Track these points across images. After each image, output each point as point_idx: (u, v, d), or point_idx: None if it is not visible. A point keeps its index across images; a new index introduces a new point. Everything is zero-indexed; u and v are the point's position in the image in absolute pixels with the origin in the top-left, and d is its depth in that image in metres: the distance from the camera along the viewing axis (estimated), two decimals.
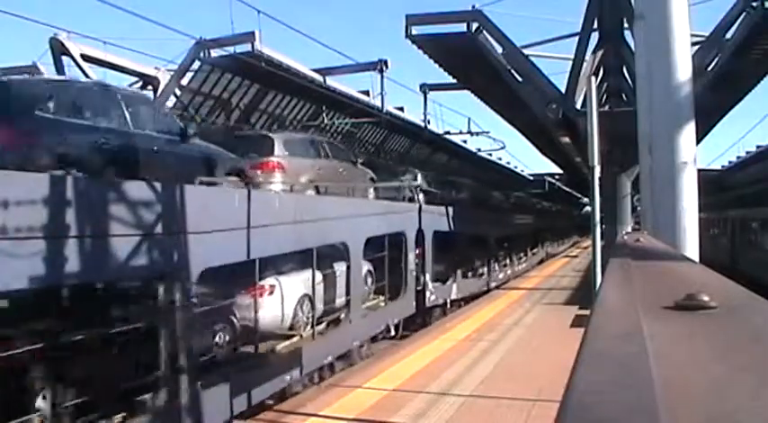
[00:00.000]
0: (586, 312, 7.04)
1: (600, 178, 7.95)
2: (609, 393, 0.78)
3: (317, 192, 11.60)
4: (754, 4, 13.31)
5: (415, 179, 17.38)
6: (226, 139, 10.92)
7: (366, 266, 13.02)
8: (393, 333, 13.88)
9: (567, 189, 40.74)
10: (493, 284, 22.18)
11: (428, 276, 15.90)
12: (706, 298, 1.29)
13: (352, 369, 10.88)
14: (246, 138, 12.32)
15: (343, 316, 11.74)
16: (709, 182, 21.72)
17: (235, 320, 8.99)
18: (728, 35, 13.94)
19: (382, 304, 13.74)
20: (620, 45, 15.28)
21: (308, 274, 10.46)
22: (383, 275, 13.54)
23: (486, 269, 22.45)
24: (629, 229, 15.30)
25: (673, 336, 1.14)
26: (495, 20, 14.60)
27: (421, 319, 15.55)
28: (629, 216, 16.88)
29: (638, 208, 10.89)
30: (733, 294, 1.58)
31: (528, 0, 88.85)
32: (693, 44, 10.56)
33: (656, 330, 1.12)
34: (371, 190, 14.65)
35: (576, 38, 15.45)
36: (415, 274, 14.98)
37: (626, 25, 14.74)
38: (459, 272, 18.89)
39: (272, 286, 9.80)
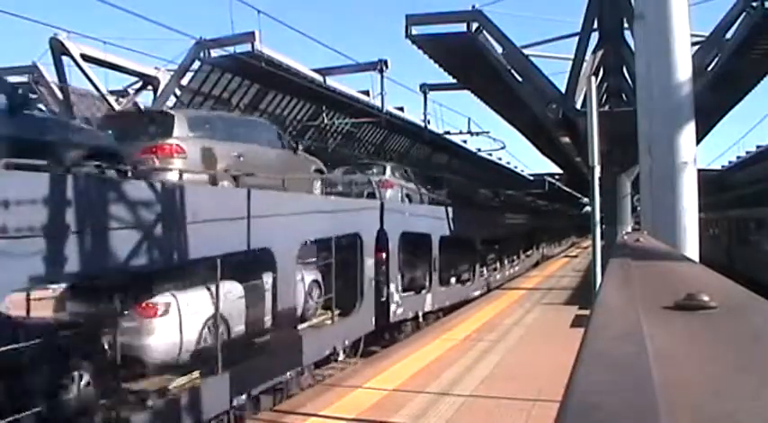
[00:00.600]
0: (586, 312, 7.04)
1: (600, 178, 7.99)
2: (609, 393, 0.78)
3: (237, 184, 9.39)
4: (754, 4, 13.32)
5: (384, 173, 15.63)
6: (123, 122, 9.32)
7: (310, 276, 11.20)
8: (342, 357, 11.74)
9: (567, 189, 40.65)
10: (478, 292, 20.19)
11: (393, 286, 13.74)
12: (706, 298, 1.29)
13: (353, 368, 10.86)
14: (143, 116, 10.11)
15: (270, 340, 9.74)
16: (709, 182, 21.72)
17: (104, 352, 7.13)
18: (728, 35, 13.96)
19: (329, 322, 11.54)
20: (620, 45, 15.29)
21: (221, 289, 8.43)
22: (331, 287, 11.48)
23: (470, 275, 20.50)
24: (629, 229, 15.31)
25: (673, 336, 1.14)
26: (495, 20, 14.69)
27: (389, 336, 13.82)
28: (629, 216, 16.90)
29: (638, 208, 10.89)
30: (733, 294, 1.58)
31: (528, 0, 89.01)
32: (693, 44, 10.57)
33: (656, 330, 1.11)
34: (318, 183, 12.25)
35: (576, 38, 15.48)
36: (374, 283, 12.75)
37: (626, 25, 14.75)
38: (435, 279, 16.40)
39: (167, 305, 7.87)
